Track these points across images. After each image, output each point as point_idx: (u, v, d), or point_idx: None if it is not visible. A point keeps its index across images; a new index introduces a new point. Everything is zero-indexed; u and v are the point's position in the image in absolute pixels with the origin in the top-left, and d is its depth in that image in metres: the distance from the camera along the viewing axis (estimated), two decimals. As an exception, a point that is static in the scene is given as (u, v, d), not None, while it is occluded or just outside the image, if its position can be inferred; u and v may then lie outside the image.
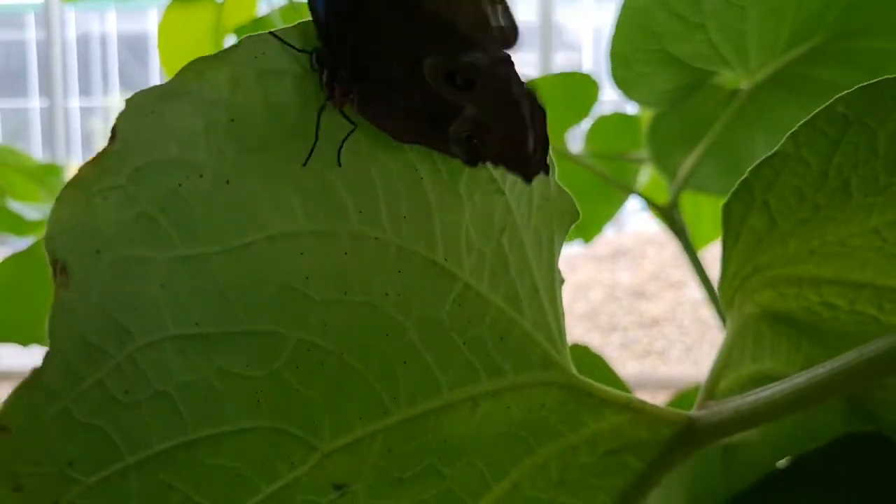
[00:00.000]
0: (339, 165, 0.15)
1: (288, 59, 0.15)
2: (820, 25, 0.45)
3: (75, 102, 2.41)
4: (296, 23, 0.15)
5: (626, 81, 0.47)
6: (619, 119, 0.61)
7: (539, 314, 0.18)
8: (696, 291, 2.17)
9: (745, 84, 0.47)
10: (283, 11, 0.55)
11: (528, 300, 0.18)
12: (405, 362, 0.16)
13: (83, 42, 2.53)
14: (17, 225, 0.74)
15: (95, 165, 0.13)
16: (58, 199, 0.12)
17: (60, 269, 0.12)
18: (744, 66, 0.46)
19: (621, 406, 0.19)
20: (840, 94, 0.17)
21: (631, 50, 0.46)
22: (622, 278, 2.19)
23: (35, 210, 0.75)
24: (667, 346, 2.10)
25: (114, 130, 0.13)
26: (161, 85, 0.13)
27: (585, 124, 0.61)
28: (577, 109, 0.59)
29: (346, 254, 0.15)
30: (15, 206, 0.73)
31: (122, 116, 0.13)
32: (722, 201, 0.57)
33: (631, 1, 0.45)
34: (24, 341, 0.51)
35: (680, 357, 2.06)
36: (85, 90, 2.54)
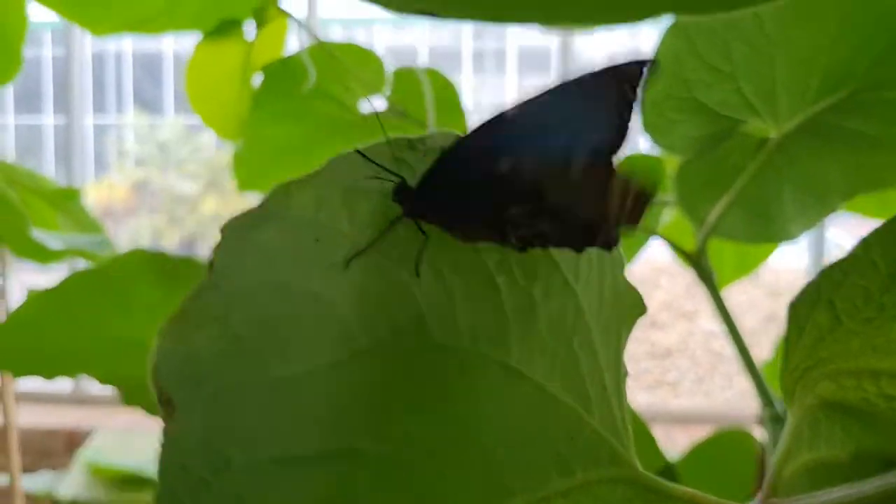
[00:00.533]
0: (418, 276, 0.15)
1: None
2: (850, 76, 0.45)
3: (89, 120, 2.42)
4: (384, 140, 0.15)
5: (656, 127, 0.47)
6: (642, 160, 0.61)
7: (607, 411, 0.18)
8: (709, 322, 2.16)
9: (773, 133, 0.47)
10: (312, 50, 0.55)
11: (596, 398, 0.18)
12: (479, 468, 0.16)
13: (98, 60, 2.55)
14: (40, 253, 0.74)
15: (196, 299, 0.13)
16: (161, 333, 0.12)
17: (166, 401, 0.12)
18: (773, 115, 0.46)
19: (685, 501, 0.19)
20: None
21: (661, 97, 0.47)
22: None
23: (57, 239, 0.75)
24: (678, 378, 2.08)
25: (211, 262, 0.13)
26: (251, 210, 0.14)
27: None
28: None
29: (426, 365, 0.15)
30: (37, 234, 0.72)
31: (218, 246, 0.13)
32: (748, 247, 0.57)
33: (662, 49, 0.45)
34: (49, 375, 0.51)
35: (692, 389, 2.05)
36: (99, 108, 2.56)
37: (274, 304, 0.13)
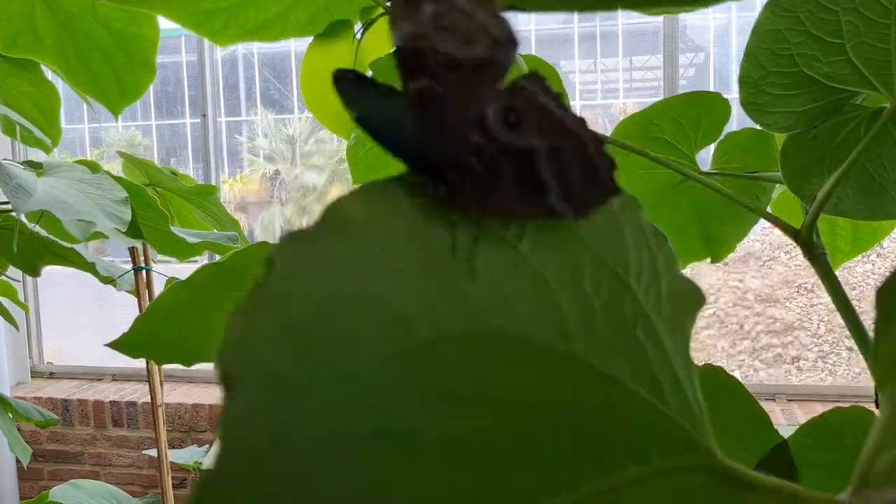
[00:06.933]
0: (472, 277, 0.17)
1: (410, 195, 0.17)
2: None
3: (223, 118, 2.63)
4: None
5: (758, 106, 0.46)
6: (750, 135, 0.59)
7: (681, 399, 0.19)
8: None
9: (888, 103, 0.45)
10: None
11: (669, 387, 0.19)
12: (550, 456, 0.16)
13: (228, 63, 2.75)
14: (179, 249, 0.81)
15: (259, 297, 0.14)
16: (227, 324, 0.14)
17: (227, 382, 0.14)
18: (887, 85, 0.44)
19: (769, 490, 0.19)
20: None
21: (763, 74, 0.46)
22: (752, 283, 2.11)
23: (194, 236, 0.81)
24: (800, 354, 1.99)
25: (270, 260, 0.15)
26: (306, 228, 0.15)
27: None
28: (709, 130, 0.58)
29: (485, 355, 0.16)
30: (177, 231, 0.79)
31: (277, 251, 0.15)
32: (865, 223, 0.54)
33: (763, 25, 0.44)
34: (187, 362, 0.56)
35: (815, 365, 1.96)
36: (230, 107, 2.75)
37: (336, 306, 0.15)
